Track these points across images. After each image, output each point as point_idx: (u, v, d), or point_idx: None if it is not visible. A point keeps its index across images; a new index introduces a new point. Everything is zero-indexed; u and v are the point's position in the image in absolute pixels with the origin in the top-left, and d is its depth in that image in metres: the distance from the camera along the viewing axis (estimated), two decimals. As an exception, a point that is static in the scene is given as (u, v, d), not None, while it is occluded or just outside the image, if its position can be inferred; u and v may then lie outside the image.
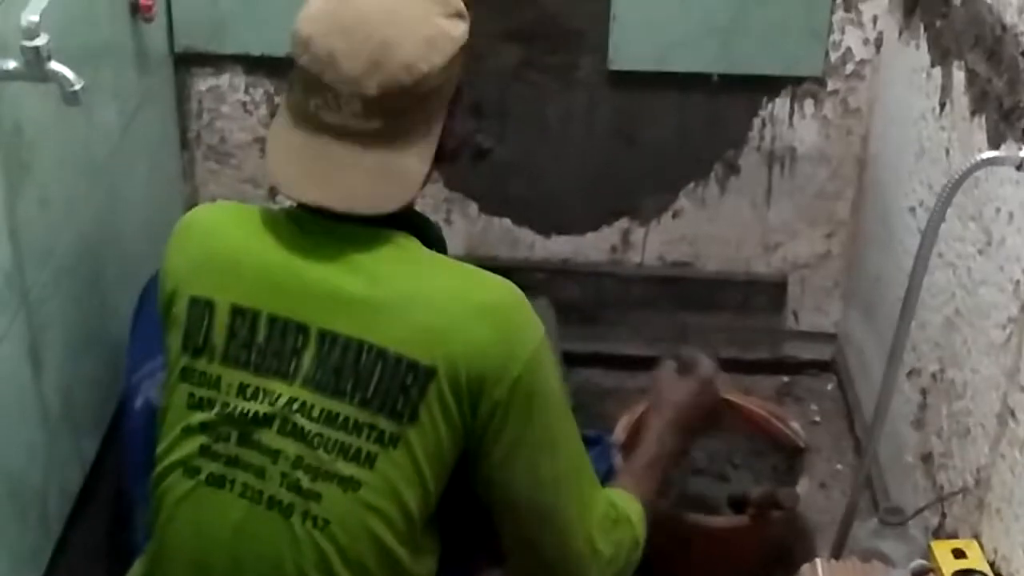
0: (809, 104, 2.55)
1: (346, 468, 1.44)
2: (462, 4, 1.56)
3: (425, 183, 1.55)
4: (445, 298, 1.46)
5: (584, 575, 1.58)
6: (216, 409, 1.48)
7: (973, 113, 1.88)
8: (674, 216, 2.67)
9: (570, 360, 2.65)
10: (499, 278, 1.51)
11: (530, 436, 1.49)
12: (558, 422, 1.52)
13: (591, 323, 2.75)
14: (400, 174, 1.48)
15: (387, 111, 1.46)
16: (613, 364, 2.78)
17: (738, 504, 2.15)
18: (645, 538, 1.65)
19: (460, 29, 1.53)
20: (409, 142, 1.49)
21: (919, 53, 2.19)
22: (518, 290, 1.50)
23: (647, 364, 2.72)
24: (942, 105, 2.04)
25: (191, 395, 1.50)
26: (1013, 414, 1.67)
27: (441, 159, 1.55)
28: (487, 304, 1.47)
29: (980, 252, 1.85)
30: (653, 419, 1.85)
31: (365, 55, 1.44)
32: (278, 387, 1.46)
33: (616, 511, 1.62)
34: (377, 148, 1.47)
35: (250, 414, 1.46)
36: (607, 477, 2.17)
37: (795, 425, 2.33)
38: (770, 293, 2.75)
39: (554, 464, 1.52)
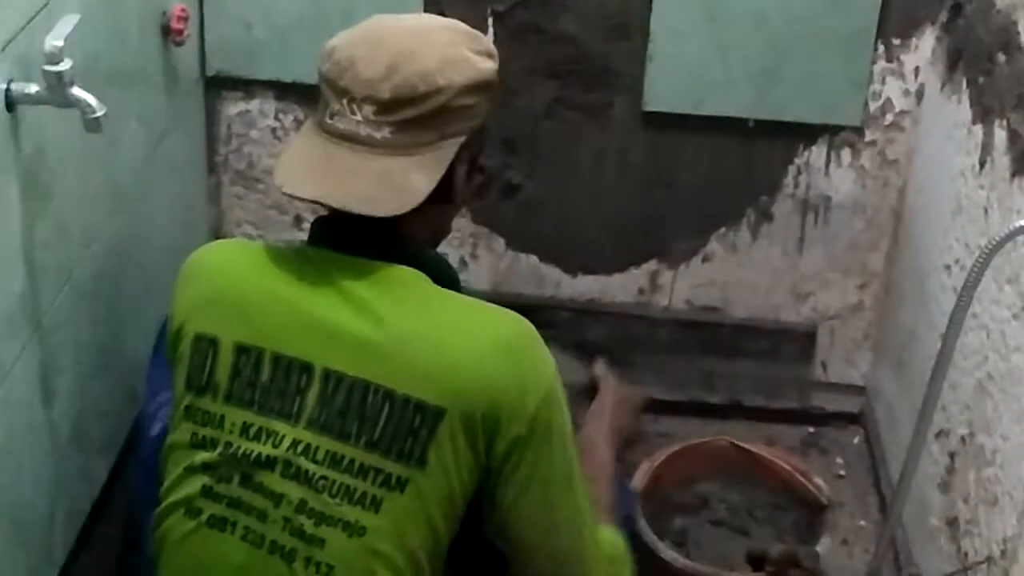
0: (846, 153, 2.51)
1: (351, 513, 1.41)
2: (493, 47, 1.58)
3: (444, 218, 1.58)
4: (454, 338, 1.43)
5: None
6: (219, 449, 1.46)
7: (1014, 175, 1.84)
8: (704, 260, 2.63)
9: (594, 402, 2.62)
10: (509, 313, 1.48)
11: (546, 474, 1.45)
12: (572, 460, 1.49)
13: (615, 365, 2.69)
14: (402, 185, 1.46)
15: (398, 120, 1.46)
16: (637, 407, 2.75)
17: (757, 561, 2.11)
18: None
19: (487, 64, 1.54)
20: (417, 158, 1.48)
21: (960, 108, 2.14)
22: (529, 325, 1.47)
23: (671, 408, 2.72)
24: (982, 163, 2.00)
25: (194, 434, 1.48)
26: (1043, 487, 1.63)
27: (450, 195, 1.53)
28: (498, 342, 1.43)
29: (1015, 317, 1.80)
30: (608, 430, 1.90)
31: (384, 61, 1.46)
32: (282, 428, 1.44)
33: (616, 548, 1.60)
34: (383, 157, 1.47)
35: (253, 455, 1.44)
36: (625, 523, 2.15)
37: (819, 481, 2.28)
38: (799, 342, 2.70)
39: (569, 503, 1.49)
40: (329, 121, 1.49)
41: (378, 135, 1.47)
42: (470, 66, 1.51)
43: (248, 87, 2.50)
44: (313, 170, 1.49)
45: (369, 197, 1.46)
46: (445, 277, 1.52)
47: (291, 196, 1.51)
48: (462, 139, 1.51)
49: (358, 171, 1.47)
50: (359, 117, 1.46)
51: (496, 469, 1.43)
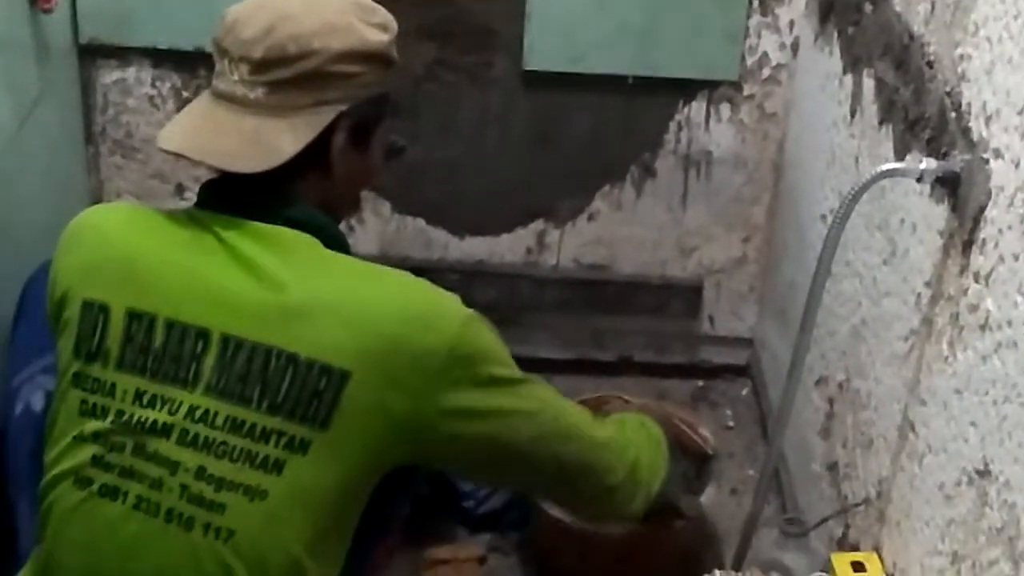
0: (725, 108, 2.53)
1: (252, 477, 1.40)
2: (391, 19, 1.57)
3: (328, 191, 1.53)
4: (356, 299, 1.42)
5: (624, 489, 1.65)
6: (111, 417, 1.44)
7: (881, 122, 1.87)
8: (589, 218, 2.65)
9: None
10: (405, 274, 1.47)
11: (492, 402, 1.46)
12: (512, 379, 1.50)
13: (505, 325, 2.69)
14: (267, 144, 1.46)
15: (270, 81, 1.46)
16: (528, 367, 2.71)
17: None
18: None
19: (377, 36, 1.53)
20: (288, 120, 1.47)
21: (832, 59, 2.17)
22: (426, 282, 1.47)
23: (562, 367, 2.74)
24: (853, 113, 2.03)
25: (83, 402, 1.45)
26: (913, 427, 1.66)
27: (327, 165, 1.51)
28: (399, 300, 1.43)
29: (885, 262, 1.83)
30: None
31: (263, 22, 1.47)
32: (178, 395, 1.42)
33: (623, 422, 1.71)
34: (255, 116, 1.47)
35: (147, 423, 1.42)
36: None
37: (704, 432, 2.30)
38: (686, 297, 2.73)
39: (533, 419, 1.51)
40: (215, 82, 1.50)
41: (252, 95, 1.47)
42: (354, 34, 1.49)
43: (123, 55, 2.46)
44: (189, 127, 1.50)
45: (230, 153, 1.46)
46: (334, 241, 1.51)
47: (161, 150, 1.51)
48: (342, 107, 1.50)
49: (228, 129, 1.47)
50: (236, 77, 1.47)
51: (429, 418, 1.42)
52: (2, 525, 1.90)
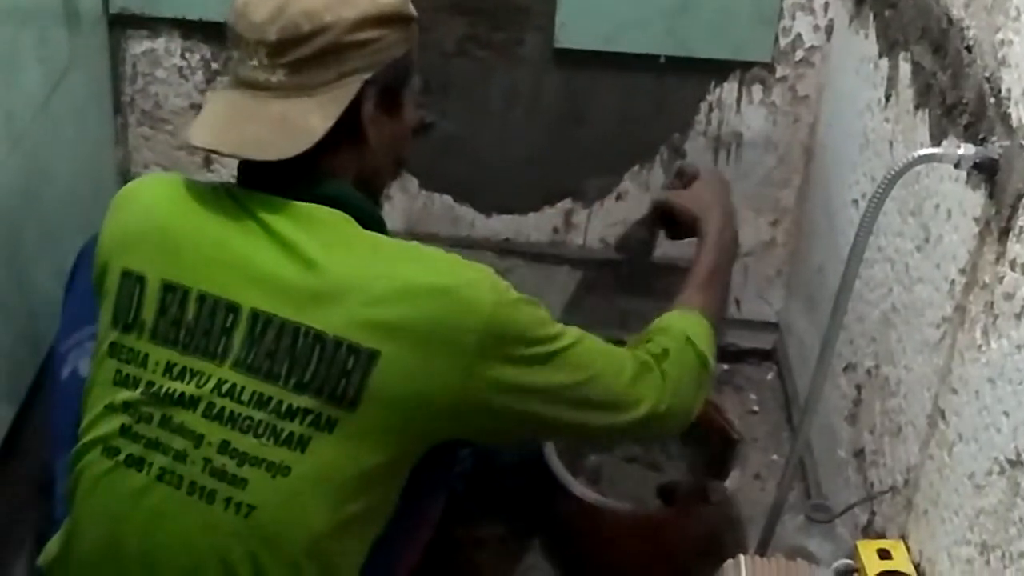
0: (757, 89, 2.51)
1: (276, 453, 1.40)
2: None
3: (367, 162, 1.53)
4: (386, 279, 1.42)
5: (650, 424, 1.63)
6: (141, 388, 1.45)
7: (917, 107, 1.84)
8: (618, 199, 2.63)
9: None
10: (437, 252, 1.47)
11: (529, 378, 1.46)
12: (548, 353, 1.49)
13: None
14: (297, 127, 1.45)
15: (290, 62, 1.45)
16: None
17: (667, 495, 2.12)
18: (714, 348, 1.73)
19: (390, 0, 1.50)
20: (315, 98, 1.46)
21: (868, 42, 2.15)
22: (458, 258, 1.46)
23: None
24: (888, 97, 2.01)
25: (118, 372, 1.47)
26: (943, 415, 1.64)
27: (361, 136, 1.51)
28: (429, 283, 1.42)
29: (918, 248, 1.82)
30: (705, 226, 1.90)
31: (272, 2, 1.45)
32: (207, 368, 1.43)
33: (651, 355, 1.70)
34: (280, 100, 1.46)
35: (175, 395, 1.43)
36: (537, 462, 2.15)
37: (730, 416, 2.30)
38: (713, 280, 2.71)
39: (572, 389, 1.52)
40: (236, 69, 1.49)
41: (273, 79, 1.46)
42: (368, 1, 1.48)
43: (153, 25, 2.46)
44: (216, 120, 1.49)
45: (261, 141, 1.44)
46: (369, 219, 1.50)
47: (193, 147, 1.51)
48: (366, 75, 1.49)
49: (254, 116, 1.46)
50: (255, 62, 1.46)
51: (466, 396, 1.42)
52: (41, 488, 1.91)
